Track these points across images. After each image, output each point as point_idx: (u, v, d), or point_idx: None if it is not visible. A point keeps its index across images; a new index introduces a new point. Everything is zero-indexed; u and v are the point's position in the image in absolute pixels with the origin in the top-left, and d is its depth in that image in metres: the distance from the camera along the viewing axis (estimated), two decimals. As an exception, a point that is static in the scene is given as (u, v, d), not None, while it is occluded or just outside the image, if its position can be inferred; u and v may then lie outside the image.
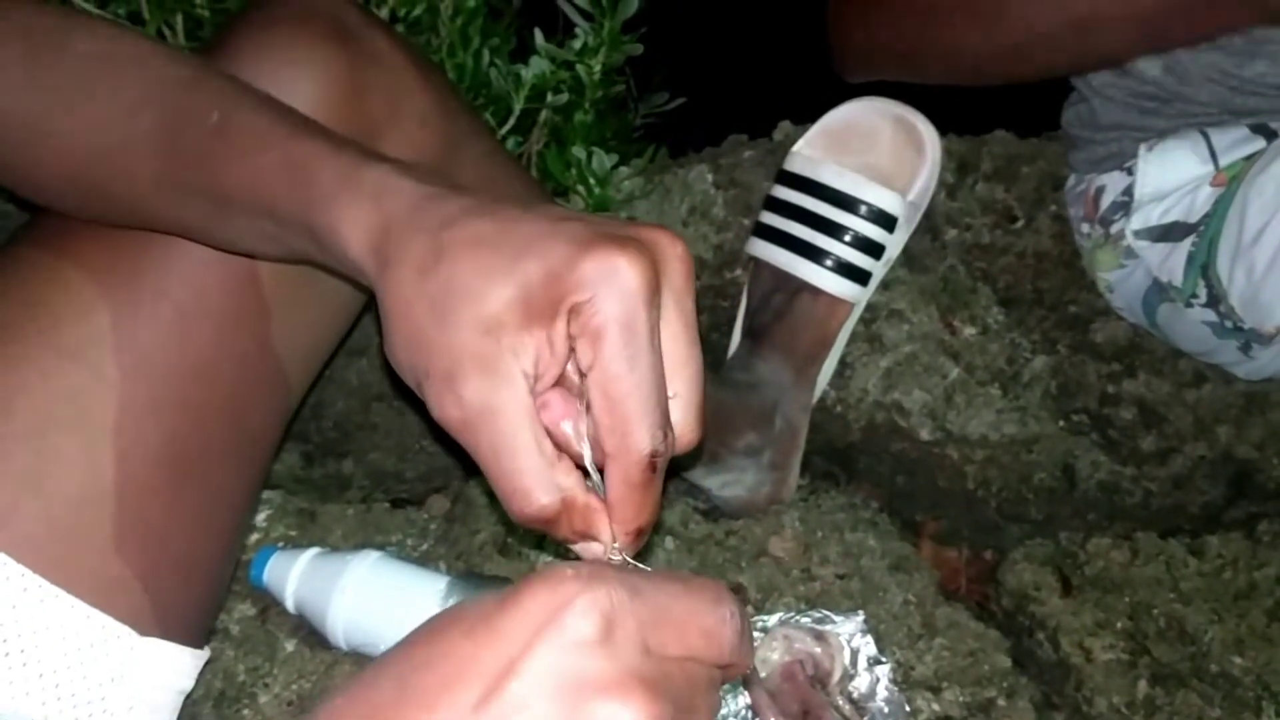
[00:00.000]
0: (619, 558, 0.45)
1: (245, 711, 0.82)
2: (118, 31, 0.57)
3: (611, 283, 0.41)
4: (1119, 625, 0.95)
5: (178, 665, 0.66)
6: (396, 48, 0.69)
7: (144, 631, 0.63)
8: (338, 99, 0.64)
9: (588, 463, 0.45)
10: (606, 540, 0.44)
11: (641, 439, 0.42)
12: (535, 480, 0.43)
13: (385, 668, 0.35)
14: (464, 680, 0.33)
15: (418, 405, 0.47)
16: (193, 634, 0.68)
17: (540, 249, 0.42)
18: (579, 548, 0.45)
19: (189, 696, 0.79)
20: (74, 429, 0.61)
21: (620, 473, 0.43)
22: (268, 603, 0.87)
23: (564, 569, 0.35)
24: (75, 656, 0.60)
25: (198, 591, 0.68)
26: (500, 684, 0.33)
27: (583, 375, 0.44)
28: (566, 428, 0.44)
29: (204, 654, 0.69)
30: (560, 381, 0.45)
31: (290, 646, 0.86)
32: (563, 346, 0.43)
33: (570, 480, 0.44)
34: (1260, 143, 0.97)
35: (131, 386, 0.62)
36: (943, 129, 1.04)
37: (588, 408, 0.45)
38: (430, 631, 0.36)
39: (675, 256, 0.44)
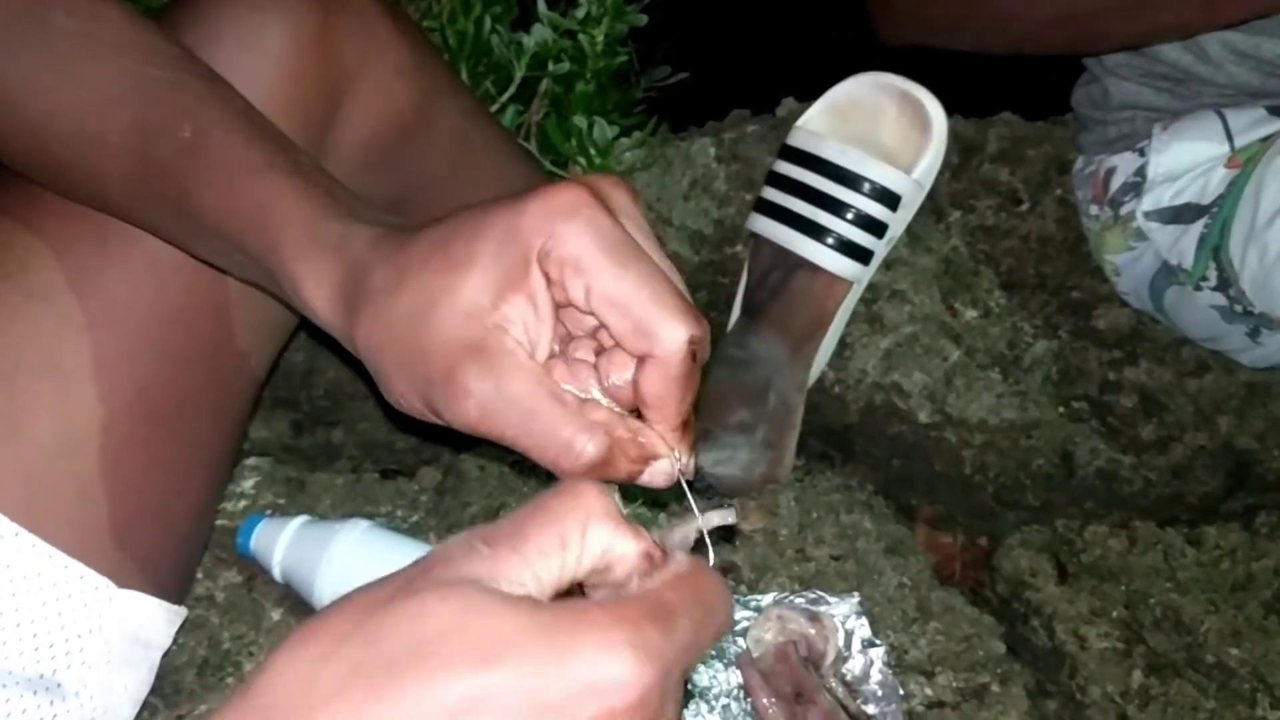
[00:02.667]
0: (683, 461, 0.44)
1: (229, 679, 0.80)
2: (99, 9, 0.55)
3: (563, 211, 0.42)
4: (1114, 614, 0.94)
5: (156, 620, 0.65)
6: None
7: (122, 583, 0.62)
8: (307, 47, 0.63)
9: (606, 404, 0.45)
10: (667, 452, 0.44)
11: (673, 328, 0.42)
12: (572, 429, 0.42)
13: (370, 692, 0.30)
14: None
15: (440, 432, 0.46)
16: (171, 589, 0.67)
17: (485, 225, 0.43)
18: (645, 477, 0.44)
19: (172, 663, 0.78)
20: (46, 373, 0.60)
21: (660, 371, 0.43)
22: (254, 570, 0.86)
23: (614, 629, 0.32)
24: (53, 606, 0.59)
25: (175, 544, 0.67)
26: None
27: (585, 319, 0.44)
28: (570, 389, 0.44)
29: (182, 611, 0.68)
30: (555, 353, 0.45)
31: (276, 615, 0.84)
32: (545, 301, 0.43)
33: (603, 414, 0.44)
34: (1277, 124, 0.95)
35: (104, 332, 0.61)
36: (949, 110, 1.02)
37: (596, 354, 0.45)
38: (431, 642, 0.31)
39: (610, 184, 0.45)
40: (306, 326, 0.52)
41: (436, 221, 0.45)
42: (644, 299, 0.42)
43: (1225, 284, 0.95)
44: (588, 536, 0.35)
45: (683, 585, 0.35)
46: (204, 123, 0.52)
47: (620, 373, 0.44)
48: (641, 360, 0.43)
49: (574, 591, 0.37)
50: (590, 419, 0.43)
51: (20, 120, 0.55)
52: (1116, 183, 1.03)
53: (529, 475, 0.96)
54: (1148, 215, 1.00)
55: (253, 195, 0.49)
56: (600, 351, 0.46)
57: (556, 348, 0.46)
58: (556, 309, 0.44)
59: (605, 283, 0.42)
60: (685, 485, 0.45)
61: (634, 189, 0.45)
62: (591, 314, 0.43)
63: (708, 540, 0.43)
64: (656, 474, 0.44)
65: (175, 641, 0.73)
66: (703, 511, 0.43)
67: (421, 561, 0.34)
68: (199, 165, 0.51)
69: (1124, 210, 1.03)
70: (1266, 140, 0.94)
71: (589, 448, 0.42)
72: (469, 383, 0.42)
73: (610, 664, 0.31)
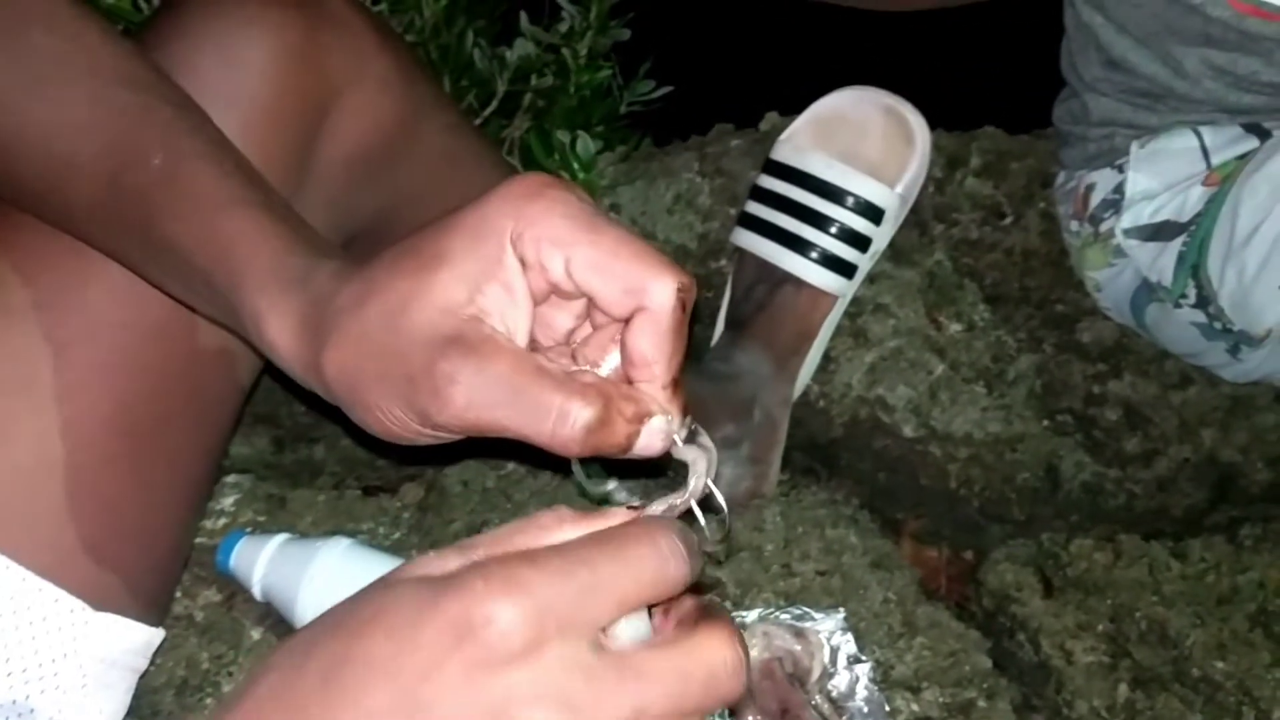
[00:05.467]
0: (680, 429, 0.43)
1: (208, 700, 0.79)
2: (78, 28, 0.55)
3: (528, 193, 0.42)
4: (1100, 628, 0.94)
5: (133, 643, 0.64)
6: (355, 11, 0.68)
7: (98, 606, 0.61)
8: (292, 61, 0.62)
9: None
10: (660, 408, 0.43)
11: (661, 278, 0.42)
12: (564, 394, 0.41)
13: (310, 655, 0.35)
14: (382, 685, 0.33)
15: (423, 452, 0.46)
16: (148, 611, 0.66)
17: (452, 224, 0.43)
18: (642, 439, 0.42)
19: (150, 684, 0.77)
20: (19, 393, 0.59)
21: (651, 326, 0.42)
22: (234, 589, 0.85)
23: (476, 578, 0.33)
24: (27, 631, 0.59)
25: (154, 565, 0.66)
26: (417, 694, 0.33)
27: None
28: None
29: (159, 633, 0.67)
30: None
31: (256, 634, 0.83)
32: (521, 287, 0.43)
33: (592, 377, 0.43)
34: (1253, 142, 0.96)
35: (81, 349, 0.60)
36: (932, 124, 1.03)
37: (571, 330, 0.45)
38: (358, 620, 0.35)
39: (564, 181, 0.45)
40: (271, 370, 0.51)
41: (400, 239, 0.45)
42: (626, 257, 0.42)
43: (1204, 301, 0.95)
44: (550, 536, 0.36)
45: (601, 535, 0.35)
46: (175, 152, 0.51)
47: (599, 353, 0.44)
48: (629, 322, 0.43)
49: None
50: (582, 383, 0.42)
51: None
52: (1096, 199, 1.03)
53: (512, 492, 0.96)
54: (1127, 232, 1.01)
55: (219, 230, 0.49)
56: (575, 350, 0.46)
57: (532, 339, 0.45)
58: (533, 303, 0.44)
59: (584, 250, 0.41)
60: (679, 444, 0.44)
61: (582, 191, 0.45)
62: (573, 291, 0.43)
63: (696, 510, 0.42)
64: (653, 434, 0.43)
65: (153, 662, 0.72)
66: (688, 483, 0.43)
67: None
68: (167, 196, 0.50)
69: (1104, 227, 1.03)
70: (1243, 158, 0.95)
71: (585, 411, 0.41)
72: (452, 369, 0.41)
73: (466, 603, 0.33)
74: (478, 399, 0.41)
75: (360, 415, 0.45)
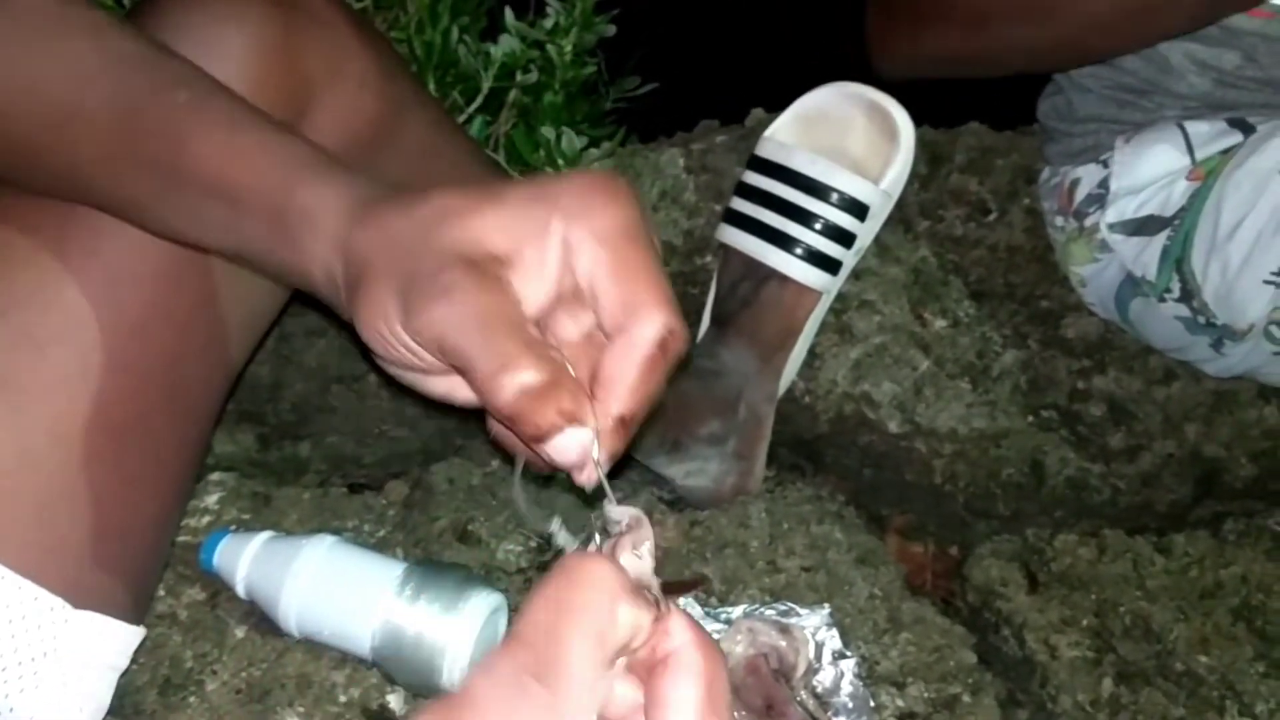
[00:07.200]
0: (603, 461, 0.43)
1: (191, 699, 0.79)
2: None
3: (602, 187, 0.44)
4: (1085, 622, 0.94)
5: (113, 642, 0.64)
6: (335, 8, 0.68)
7: (78, 604, 0.61)
8: (270, 57, 0.62)
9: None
10: (592, 424, 0.42)
11: (658, 309, 0.43)
12: (523, 350, 0.41)
13: None
14: None
15: (400, 386, 0.46)
16: (130, 609, 0.66)
17: (520, 183, 0.45)
18: (558, 440, 0.42)
19: (133, 683, 0.77)
20: (1, 389, 0.59)
21: (626, 350, 0.43)
22: (218, 587, 0.85)
23: None
24: (6, 629, 0.58)
25: (136, 562, 0.66)
26: None
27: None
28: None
29: (140, 631, 0.67)
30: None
31: (240, 633, 0.83)
32: (553, 262, 0.44)
33: (558, 356, 0.43)
34: (1237, 137, 0.96)
35: (61, 347, 0.60)
36: (916, 120, 1.02)
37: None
38: None
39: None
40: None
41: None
42: (640, 277, 0.43)
43: (1188, 296, 0.96)
44: (618, 620, 0.35)
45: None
46: (199, 88, 0.52)
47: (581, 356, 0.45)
48: (612, 338, 0.43)
49: None
50: (546, 351, 0.42)
51: None
52: (1081, 194, 1.04)
53: (497, 489, 0.95)
54: (1111, 227, 1.01)
55: (264, 139, 0.50)
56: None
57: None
58: (556, 287, 0.44)
59: (619, 250, 0.43)
60: (606, 485, 0.43)
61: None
62: (587, 292, 0.43)
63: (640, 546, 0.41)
64: (569, 440, 0.42)
65: (136, 661, 0.71)
66: (615, 516, 0.42)
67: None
68: (199, 120, 0.51)
69: (1088, 222, 1.03)
70: (1227, 153, 0.95)
71: (530, 372, 0.41)
72: (452, 282, 0.42)
73: None
74: (455, 318, 0.42)
75: (355, 302, 0.45)
